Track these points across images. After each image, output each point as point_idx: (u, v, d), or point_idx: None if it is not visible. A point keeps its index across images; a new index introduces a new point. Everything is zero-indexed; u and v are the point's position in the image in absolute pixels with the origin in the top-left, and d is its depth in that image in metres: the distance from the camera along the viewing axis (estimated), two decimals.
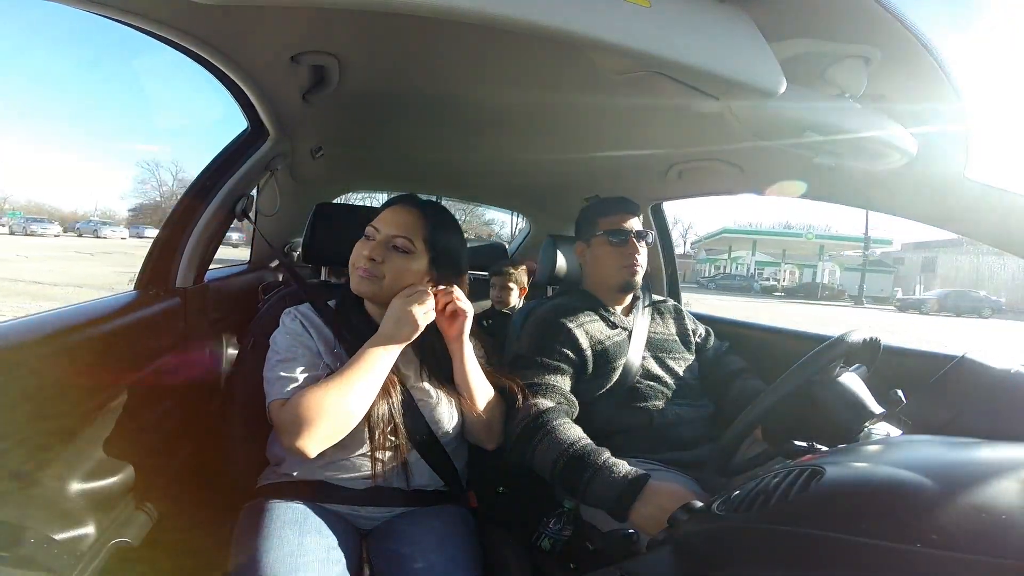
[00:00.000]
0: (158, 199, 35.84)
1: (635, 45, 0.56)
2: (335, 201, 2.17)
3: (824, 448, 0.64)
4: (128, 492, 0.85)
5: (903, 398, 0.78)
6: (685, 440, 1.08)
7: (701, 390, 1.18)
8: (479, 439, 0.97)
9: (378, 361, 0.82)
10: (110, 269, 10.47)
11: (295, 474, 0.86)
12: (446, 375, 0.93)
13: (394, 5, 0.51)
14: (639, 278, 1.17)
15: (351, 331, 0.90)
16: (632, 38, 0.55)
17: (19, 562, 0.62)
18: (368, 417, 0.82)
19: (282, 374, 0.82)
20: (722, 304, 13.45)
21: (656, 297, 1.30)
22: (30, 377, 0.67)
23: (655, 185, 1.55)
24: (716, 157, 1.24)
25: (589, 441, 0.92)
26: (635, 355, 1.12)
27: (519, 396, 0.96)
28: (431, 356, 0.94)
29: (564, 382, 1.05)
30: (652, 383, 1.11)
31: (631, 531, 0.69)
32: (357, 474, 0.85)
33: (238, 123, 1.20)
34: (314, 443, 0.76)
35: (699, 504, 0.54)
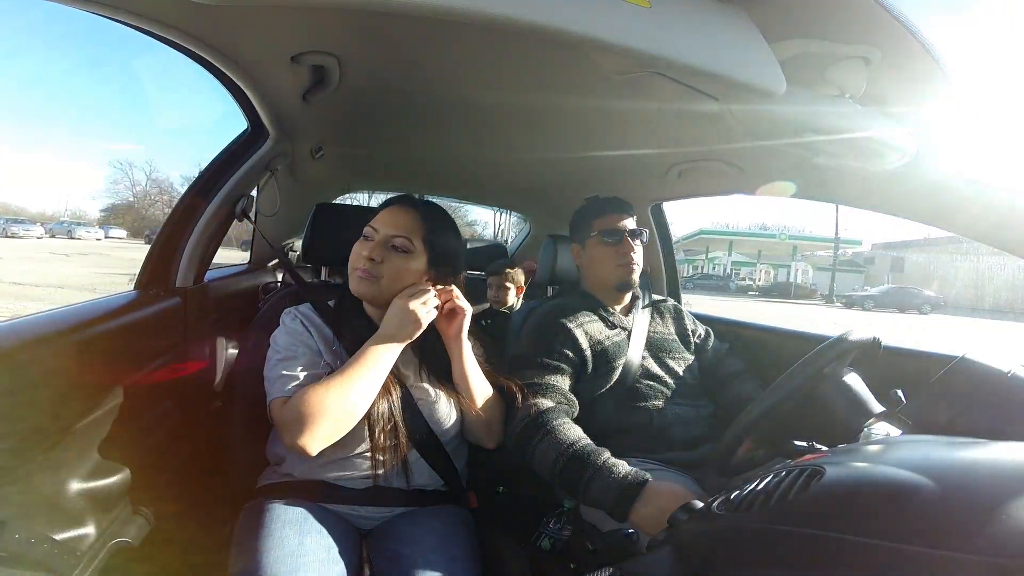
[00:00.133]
0: (131, 199, 35.32)
1: (635, 45, 0.56)
2: (335, 201, 2.17)
3: (824, 448, 0.64)
4: (128, 492, 0.85)
5: (903, 398, 0.78)
6: (685, 440, 1.07)
7: (701, 390, 1.18)
8: (479, 438, 0.97)
9: (380, 359, 0.82)
10: (88, 270, 10.31)
11: (295, 474, 0.86)
12: (445, 374, 0.93)
13: (394, 5, 0.51)
14: (636, 276, 1.17)
15: (351, 331, 0.90)
16: (632, 38, 0.56)
17: (19, 562, 0.62)
18: (368, 416, 0.82)
19: (283, 372, 0.82)
20: (699, 302, 13.59)
21: (656, 297, 1.30)
22: (30, 377, 0.67)
23: (655, 185, 1.55)
24: (716, 157, 1.24)
25: (589, 441, 0.91)
26: (635, 355, 1.12)
27: (518, 396, 0.97)
28: (430, 355, 0.94)
29: (564, 382, 1.05)
30: (652, 383, 1.11)
31: (631, 531, 0.68)
32: (357, 474, 0.85)
33: (238, 123, 1.20)
34: (315, 441, 0.76)
35: (699, 504, 0.54)
